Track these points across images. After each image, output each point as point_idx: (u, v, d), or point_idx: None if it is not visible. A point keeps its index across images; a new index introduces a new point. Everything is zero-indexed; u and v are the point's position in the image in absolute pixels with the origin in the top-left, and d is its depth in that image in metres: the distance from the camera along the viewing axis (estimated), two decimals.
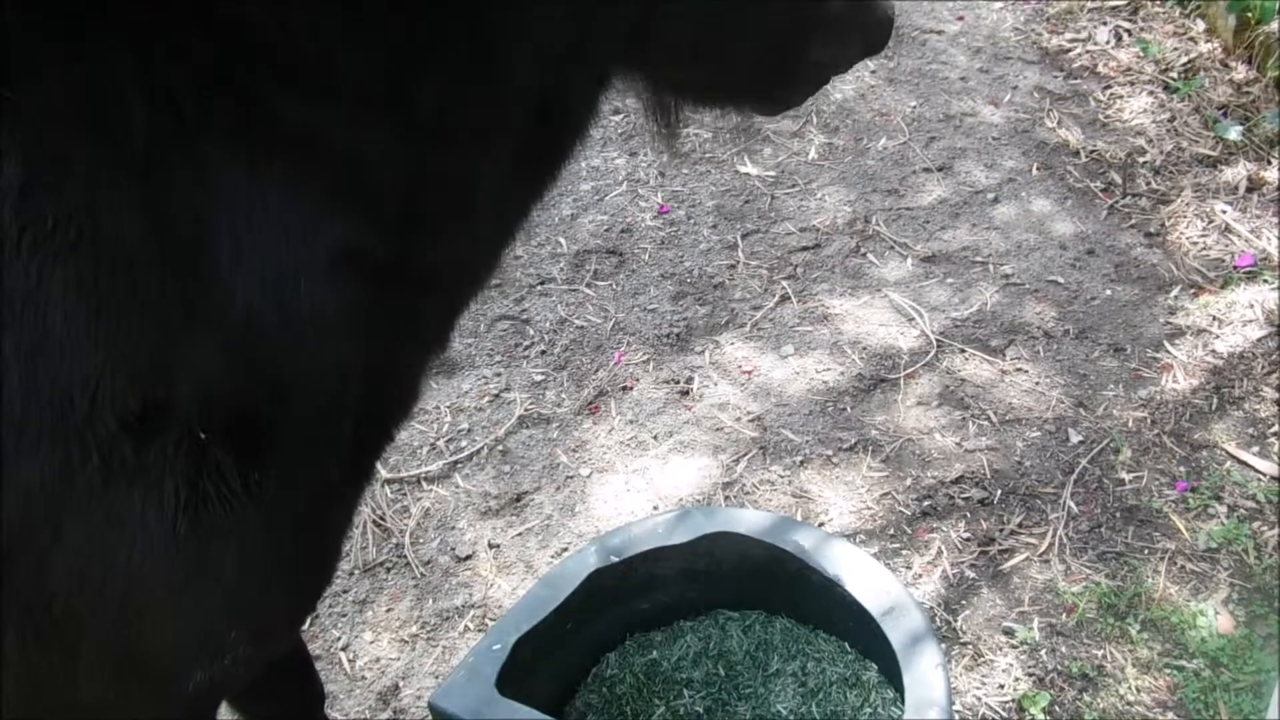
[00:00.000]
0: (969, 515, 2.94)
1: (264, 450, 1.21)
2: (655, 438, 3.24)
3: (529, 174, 1.43)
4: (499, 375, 3.48)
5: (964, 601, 2.75)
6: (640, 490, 3.10)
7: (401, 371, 1.41)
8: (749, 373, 3.42)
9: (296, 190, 1.17)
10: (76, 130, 1.08)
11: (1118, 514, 2.92)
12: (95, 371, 1.10)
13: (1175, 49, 4.60)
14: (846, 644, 2.29)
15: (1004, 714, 2.51)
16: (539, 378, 3.46)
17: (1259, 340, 3.36)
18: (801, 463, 3.12)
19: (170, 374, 1.14)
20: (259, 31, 1.13)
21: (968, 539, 2.89)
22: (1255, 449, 3.06)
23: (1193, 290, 3.57)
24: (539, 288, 3.78)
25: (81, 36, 1.08)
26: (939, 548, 2.87)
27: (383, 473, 3.17)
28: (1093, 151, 4.15)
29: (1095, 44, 4.74)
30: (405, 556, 2.98)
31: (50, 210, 1.07)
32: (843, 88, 4.54)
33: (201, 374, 1.15)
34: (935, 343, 3.44)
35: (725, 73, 1.62)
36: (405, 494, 3.15)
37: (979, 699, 2.55)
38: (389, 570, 2.96)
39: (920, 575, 2.82)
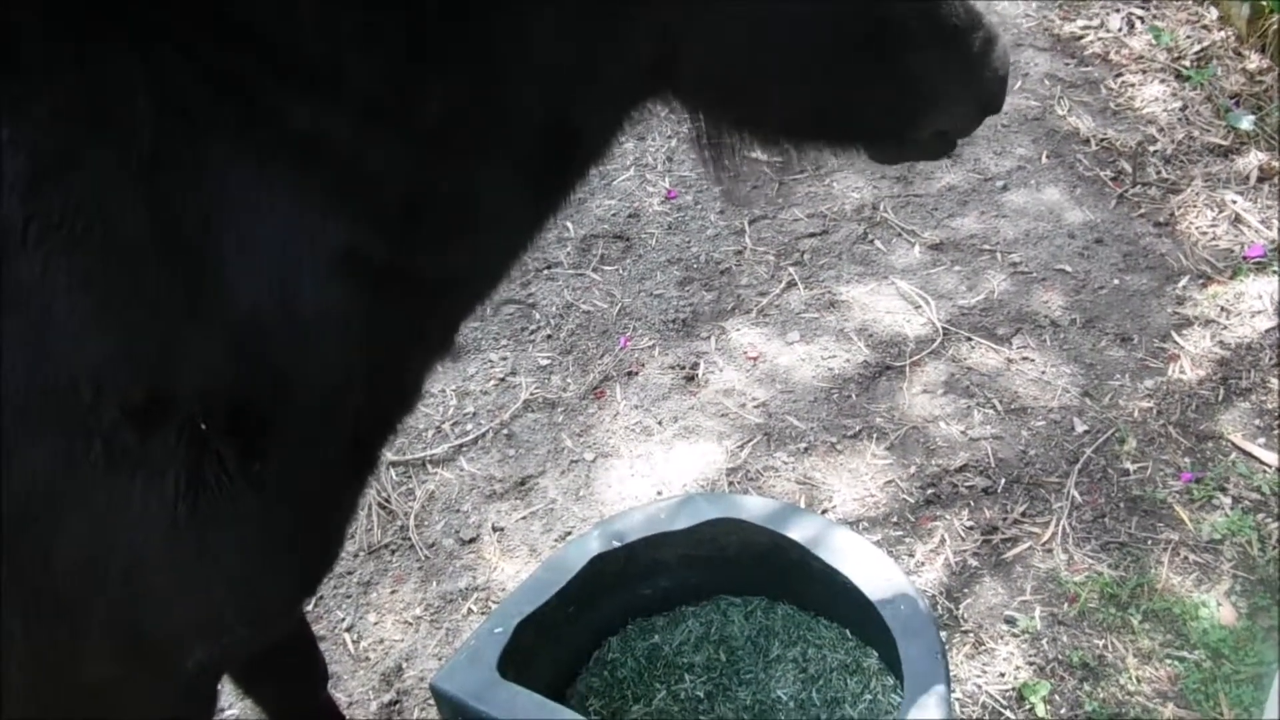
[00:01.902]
0: (973, 504, 2.94)
1: (265, 443, 1.23)
2: (660, 423, 3.24)
3: (539, 191, 1.41)
4: (505, 359, 3.48)
5: (966, 590, 2.75)
6: (645, 475, 3.10)
7: (403, 370, 1.42)
8: (755, 359, 3.42)
9: (301, 191, 1.18)
10: (85, 127, 1.10)
11: (1121, 504, 2.92)
12: (99, 361, 1.12)
13: (1188, 37, 4.57)
14: (847, 631, 2.29)
15: (1004, 702, 2.52)
16: (545, 362, 3.47)
17: (1267, 331, 3.35)
18: (806, 449, 3.12)
19: (173, 366, 1.16)
20: (268, 35, 1.14)
21: (971, 527, 2.89)
22: (1261, 440, 3.05)
23: (1201, 280, 3.55)
24: (545, 272, 3.78)
25: (92, 36, 1.10)
26: (942, 536, 2.87)
27: (388, 455, 3.18)
28: (1103, 140, 4.13)
29: (1108, 31, 4.71)
30: (410, 539, 2.99)
31: (57, 204, 1.08)
32: None
33: (205, 367, 1.17)
34: (942, 330, 3.44)
35: (785, 120, 1.50)
36: (410, 476, 3.16)
37: (979, 687, 2.55)
38: (394, 552, 2.97)
39: (923, 563, 2.82)
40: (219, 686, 1.68)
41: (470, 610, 2.81)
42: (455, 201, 1.30)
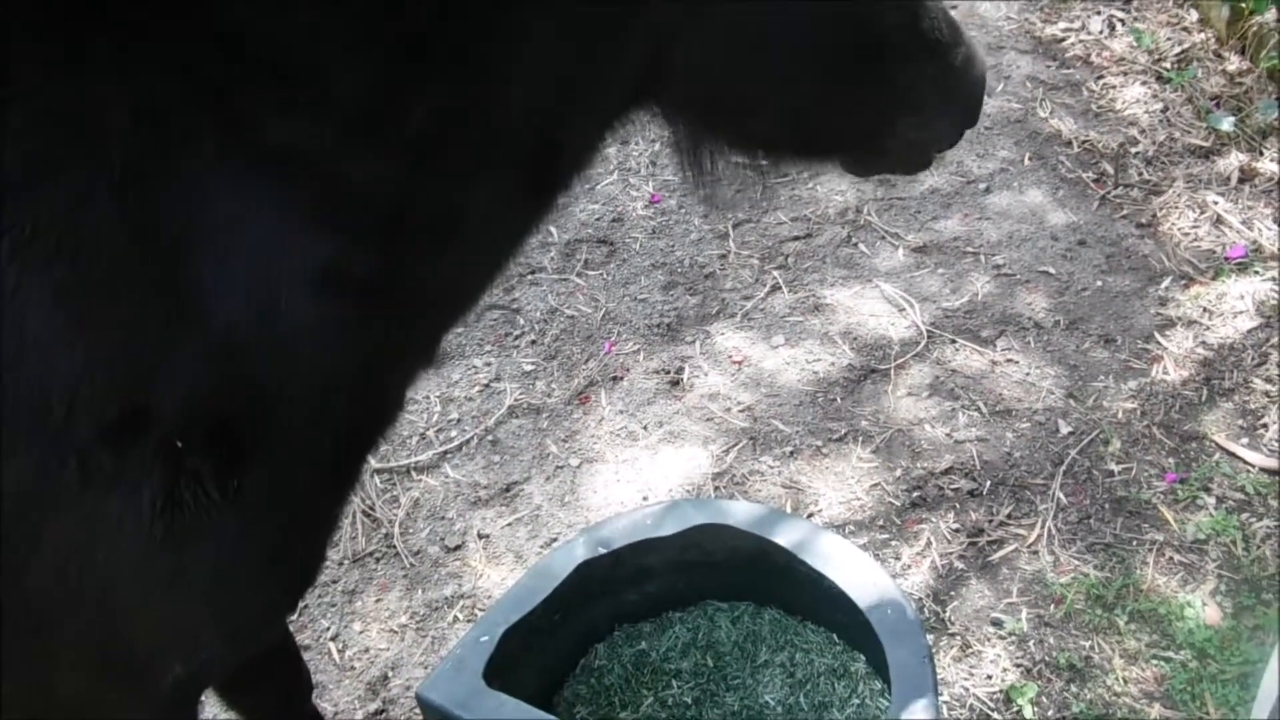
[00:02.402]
0: (958, 506, 2.95)
1: (243, 459, 1.21)
2: (645, 428, 3.24)
3: (524, 204, 1.40)
4: (489, 365, 3.47)
5: (952, 592, 2.75)
6: (630, 481, 3.09)
7: (384, 385, 1.41)
8: (739, 363, 3.41)
9: (282, 204, 1.16)
10: (60, 137, 1.08)
11: (1107, 505, 2.93)
12: (73, 378, 1.10)
13: (1169, 39, 4.59)
14: (834, 635, 2.29)
15: (991, 705, 2.52)
16: (529, 367, 3.46)
17: (1249, 332, 3.37)
18: (791, 453, 3.12)
19: (150, 383, 1.14)
20: (253, 46, 1.12)
21: (957, 530, 2.89)
22: (1245, 440, 3.06)
23: (1184, 281, 3.57)
24: (529, 277, 3.77)
25: (69, 44, 1.08)
26: (928, 539, 2.87)
27: (372, 463, 3.17)
28: (1085, 142, 4.14)
29: (1089, 33, 4.73)
30: (395, 547, 2.98)
31: (31, 217, 1.06)
32: None
33: (182, 383, 1.15)
34: (926, 333, 3.44)
35: (770, 129, 1.50)
36: (395, 484, 3.14)
37: (967, 689, 2.55)
38: (378, 560, 2.96)
39: (909, 566, 2.82)
40: (202, 698, 1.67)
41: (456, 618, 2.80)
42: (440, 214, 1.28)
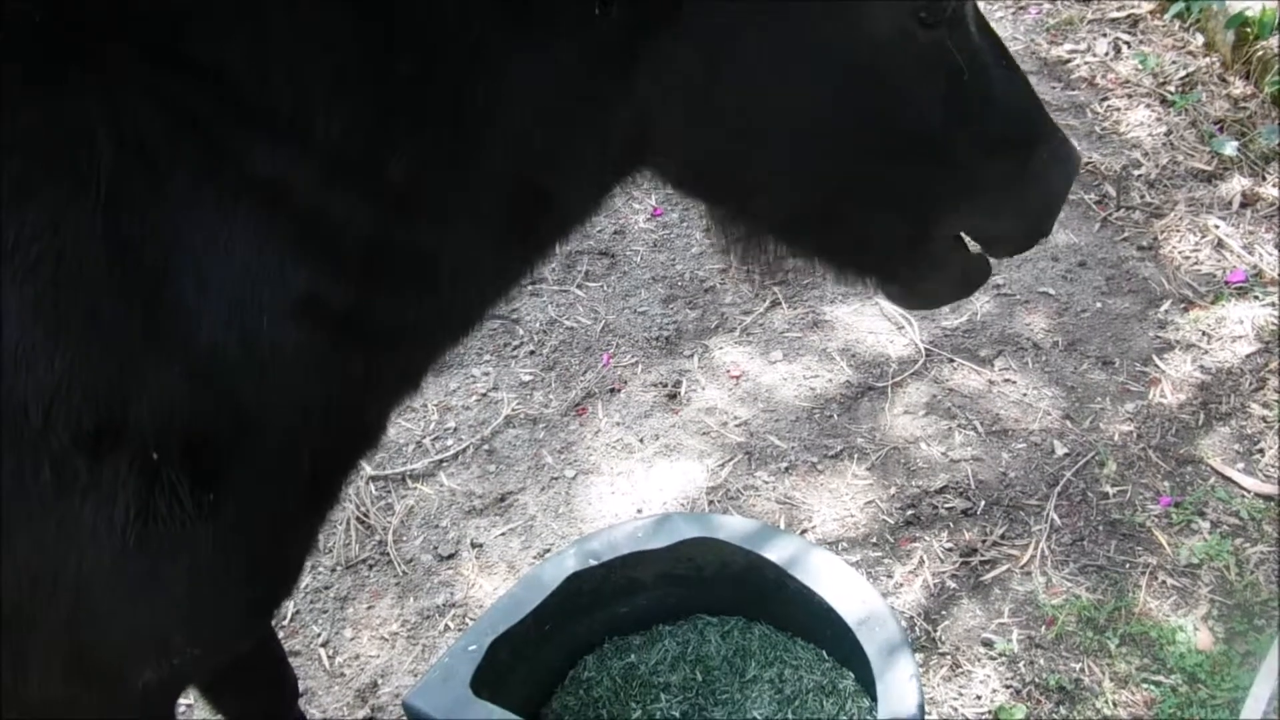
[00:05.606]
0: (952, 525, 2.94)
1: (218, 474, 1.24)
2: (642, 441, 3.24)
3: (507, 251, 1.40)
4: (487, 374, 3.48)
5: (944, 612, 2.75)
6: (625, 493, 3.10)
7: (363, 411, 1.42)
8: (737, 378, 3.42)
9: (262, 235, 1.18)
10: (41, 161, 1.10)
11: (1100, 527, 2.92)
12: (50, 388, 1.12)
13: (1174, 62, 4.60)
14: (824, 652, 2.29)
15: None
16: (527, 378, 3.46)
17: (1248, 356, 3.36)
18: (787, 469, 3.12)
19: (126, 397, 1.16)
20: (236, 79, 1.15)
21: (950, 549, 2.89)
22: (1240, 465, 3.06)
23: (1184, 305, 3.57)
24: (530, 287, 3.77)
25: (54, 73, 1.10)
26: (921, 557, 2.87)
27: (368, 470, 3.17)
28: (1089, 163, 4.14)
29: (1094, 55, 4.73)
30: (388, 554, 2.98)
31: (10, 233, 1.09)
32: None
33: (159, 399, 1.18)
34: (924, 352, 3.44)
35: (776, 216, 1.41)
36: (390, 491, 3.15)
37: (956, 709, 2.55)
38: (371, 567, 2.96)
39: (901, 584, 2.82)
40: (190, 700, 1.67)
41: (448, 627, 2.80)
42: (416, 257, 1.30)
